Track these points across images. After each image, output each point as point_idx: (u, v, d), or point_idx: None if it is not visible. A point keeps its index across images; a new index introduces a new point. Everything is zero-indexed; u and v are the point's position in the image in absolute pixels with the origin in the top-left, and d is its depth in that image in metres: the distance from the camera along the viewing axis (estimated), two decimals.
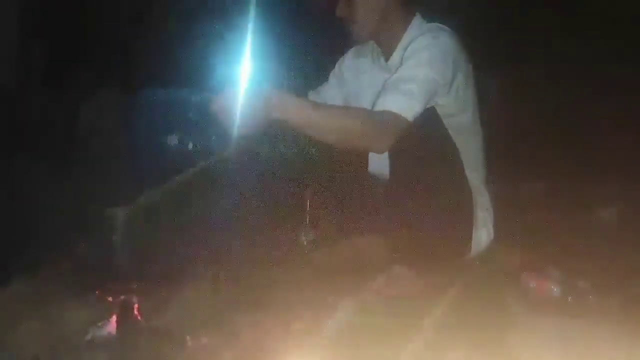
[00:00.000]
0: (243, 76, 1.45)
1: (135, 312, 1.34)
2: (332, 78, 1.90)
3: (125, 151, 1.87)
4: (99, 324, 1.26)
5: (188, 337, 1.34)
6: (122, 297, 1.39)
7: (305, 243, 2.00)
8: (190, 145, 1.66)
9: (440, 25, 1.63)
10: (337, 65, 1.92)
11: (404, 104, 1.45)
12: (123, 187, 1.69)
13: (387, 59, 1.73)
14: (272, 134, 1.72)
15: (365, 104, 1.67)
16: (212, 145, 1.63)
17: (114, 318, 1.28)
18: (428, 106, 1.50)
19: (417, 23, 1.66)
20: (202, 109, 1.46)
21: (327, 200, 2.09)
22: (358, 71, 1.84)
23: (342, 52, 1.92)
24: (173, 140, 1.60)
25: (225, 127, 1.38)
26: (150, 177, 1.67)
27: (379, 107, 1.47)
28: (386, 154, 1.59)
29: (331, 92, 1.87)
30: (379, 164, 1.80)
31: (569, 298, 1.59)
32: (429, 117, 1.50)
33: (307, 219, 1.98)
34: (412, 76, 1.49)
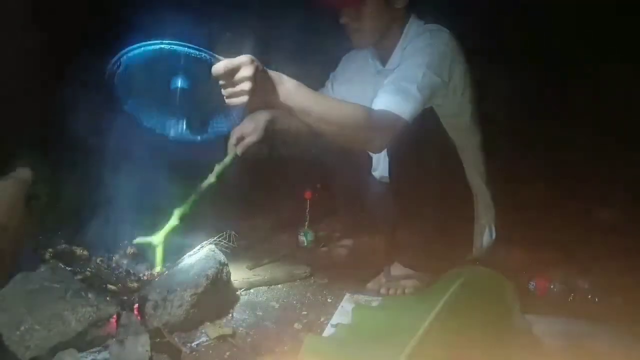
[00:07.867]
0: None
1: (135, 312, 1.34)
2: (328, 86, 1.90)
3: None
4: (99, 323, 1.26)
5: (188, 337, 1.35)
6: (122, 297, 1.39)
7: (305, 243, 2.00)
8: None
9: (438, 25, 1.63)
10: (331, 75, 1.91)
11: (404, 106, 1.43)
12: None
13: (384, 63, 1.72)
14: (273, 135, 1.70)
15: None
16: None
17: (114, 318, 1.28)
18: (426, 106, 1.49)
19: (415, 25, 1.66)
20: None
21: (327, 201, 2.09)
22: (353, 78, 1.83)
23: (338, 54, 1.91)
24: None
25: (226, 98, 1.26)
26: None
27: (378, 106, 1.45)
28: (386, 156, 1.59)
29: None
30: (380, 165, 1.80)
31: (569, 298, 1.60)
32: (428, 118, 1.49)
33: (308, 219, 1.98)
34: (412, 76, 1.48)
